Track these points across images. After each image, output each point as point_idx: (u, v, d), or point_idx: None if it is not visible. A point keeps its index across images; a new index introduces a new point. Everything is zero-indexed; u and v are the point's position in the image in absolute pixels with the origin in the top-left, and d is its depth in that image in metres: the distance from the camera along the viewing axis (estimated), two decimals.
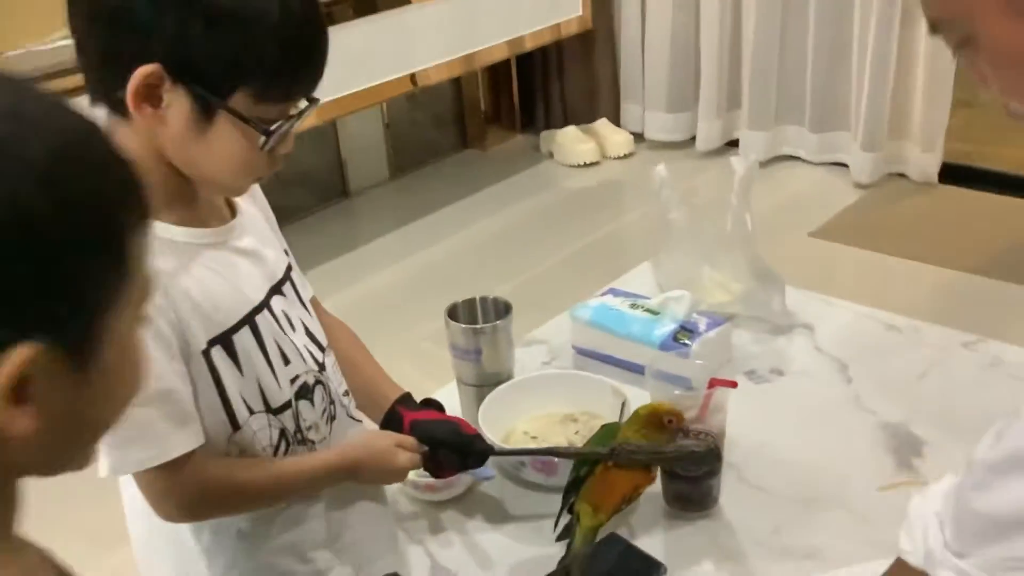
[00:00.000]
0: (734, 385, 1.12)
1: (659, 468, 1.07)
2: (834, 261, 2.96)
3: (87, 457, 0.59)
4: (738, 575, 1.03)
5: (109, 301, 0.52)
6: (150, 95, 0.81)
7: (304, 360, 0.97)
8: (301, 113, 0.88)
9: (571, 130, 3.80)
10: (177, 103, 0.82)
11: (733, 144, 3.66)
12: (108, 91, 0.83)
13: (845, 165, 3.46)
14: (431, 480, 1.15)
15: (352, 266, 3.07)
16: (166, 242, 0.87)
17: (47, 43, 2.41)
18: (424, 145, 3.84)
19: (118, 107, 0.83)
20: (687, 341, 1.31)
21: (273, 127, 0.85)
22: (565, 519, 1.04)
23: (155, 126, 0.83)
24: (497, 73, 3.93)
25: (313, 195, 3.44)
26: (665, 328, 1.33)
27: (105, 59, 0.82)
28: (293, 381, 0.96)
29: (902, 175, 3.41)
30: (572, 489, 1.03)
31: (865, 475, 1.16)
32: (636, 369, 1.33)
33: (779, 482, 1.15)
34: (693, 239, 1.46)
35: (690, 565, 1.05)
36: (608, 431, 1.08)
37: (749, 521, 1.10)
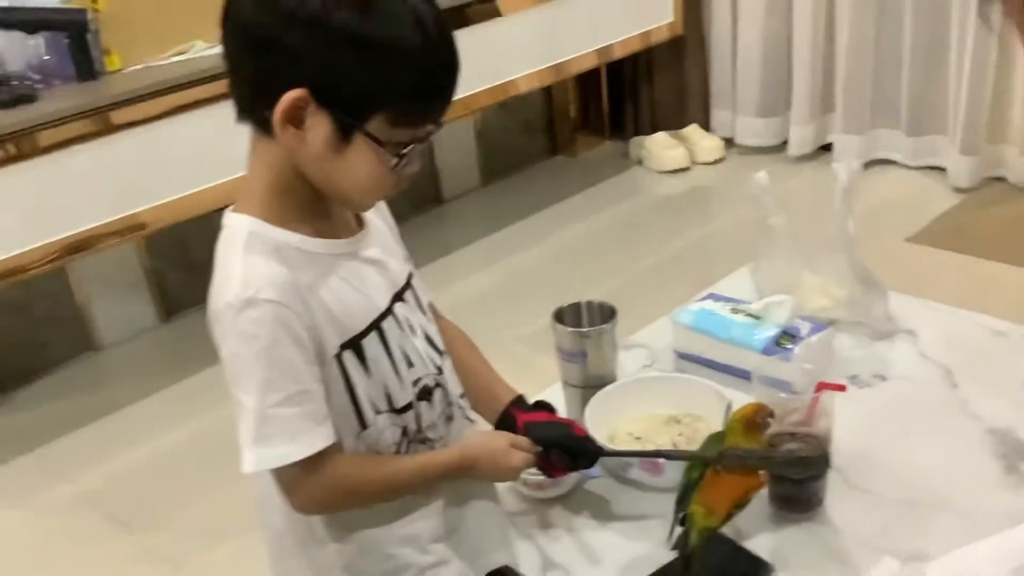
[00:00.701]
0: (843, 388, 1.13)
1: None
2: (932, 266, 2.91)
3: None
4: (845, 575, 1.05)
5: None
6: (294, 117, 0.86)
7: (425, 363, 1.02)
8: (428, 135, 0.92)
9: (661, 136, 3.81)
10: (319, 125, 0.87)
11: (826, 148, 3.63)
12: (256, 110, 0.89)
13: (942, 169, 3.39)
14: (540, 478, 1.19)
15: (445, 271, 3.13)
16: (305, 254, 0.93)
17: (164, 59, 2.54)
18: (515, 152, 3.89)
19: (263, 125, 0.89)
20: (789, 345, 1.33)
21: (405, 150, 0.90)
22: (678, 530, 1.06)
23: (297, 145, 0.88)
24: (586, 80, 3.97)
25: (408, 202, 3.51)
26: (767, 332, 1.35)
27: (256, 82, 0.88)
28: (415, 383, 1.01)
29: (1001, 179, 3.33)
30: (683, 498, 1.06)
31: (972, 479, 1.16)
32: (737, 373, 1.35)
33: (884, 485, 1.16)
34: (793, 244, 1.48)
35: (797, 566, 1.07)
36: (714, 439, 1.10)
37: (855, 523, 1.11)
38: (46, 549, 2.23)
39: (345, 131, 0.88)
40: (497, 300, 3.00)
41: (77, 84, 2.41)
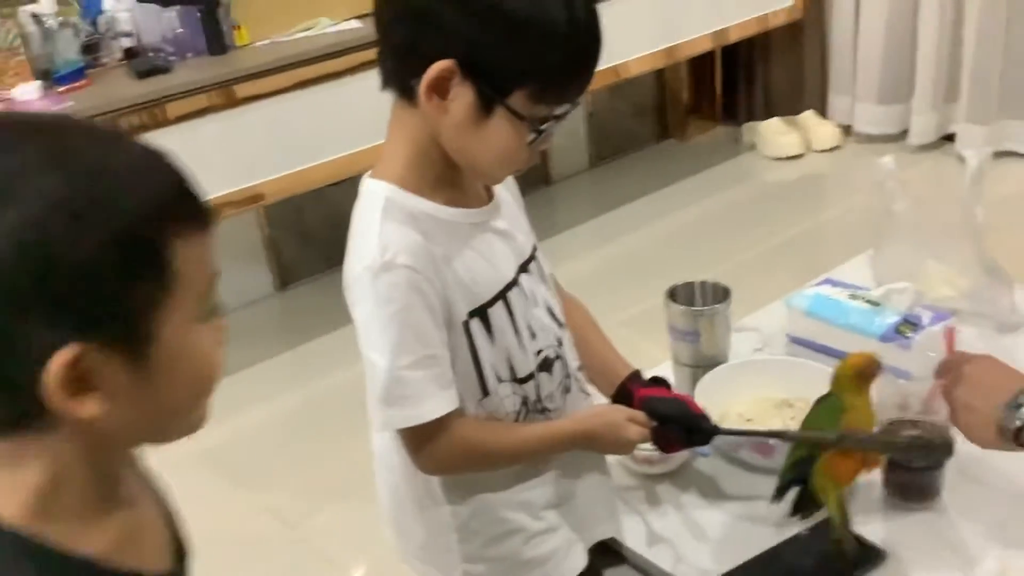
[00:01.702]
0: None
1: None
2: None
3: (185, 428, 0.68)
4: (960, 568, 1.03)
5: (152, 304, 0.59)
6: (440, 87, 0.89)
7: (547, 334, 1.04)
8: (566, 113, 0.94)
9: (774, 122, 3.74)
10: (462, 97, 0.89)
11: (948, 138, 3.51)
12: (403, 79, 0.92)
13: None
14: (648, 453, 1.20)
15: (551, 251, 3.09)
16: (439, 222, 0.95)
17: (290, 35, 2.61)
18: (624, 135, 3.88)
19: (407, 93, 0.92)
20: (910, 334, 1.30)
21: (543, 126, 0.92)
22: (791, 493, 1.07)
23: (438, 115, 0.91)
24: (700, 63, 3.92)
25: (517, 181, 3.53)
26: (887, 320, 1.32)
27: (405, 51, 0.91)
28: (538, 354, 1.03)
29: None
30: (797, 469, 1.05)
31: None
32: None
33: (1003, 479, 1.13)
34: (917, 231, 1.44)
35: (910, 554, 1.05)
36: (823, 404, 1.09)
37: (971, 515, 1.09)
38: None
39: (487, 104, 0.89)
40: (602, 282, 3.00)
41: (208, 57, 2.50)
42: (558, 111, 0.92)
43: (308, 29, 2.59)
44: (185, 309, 0.61)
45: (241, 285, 3.09)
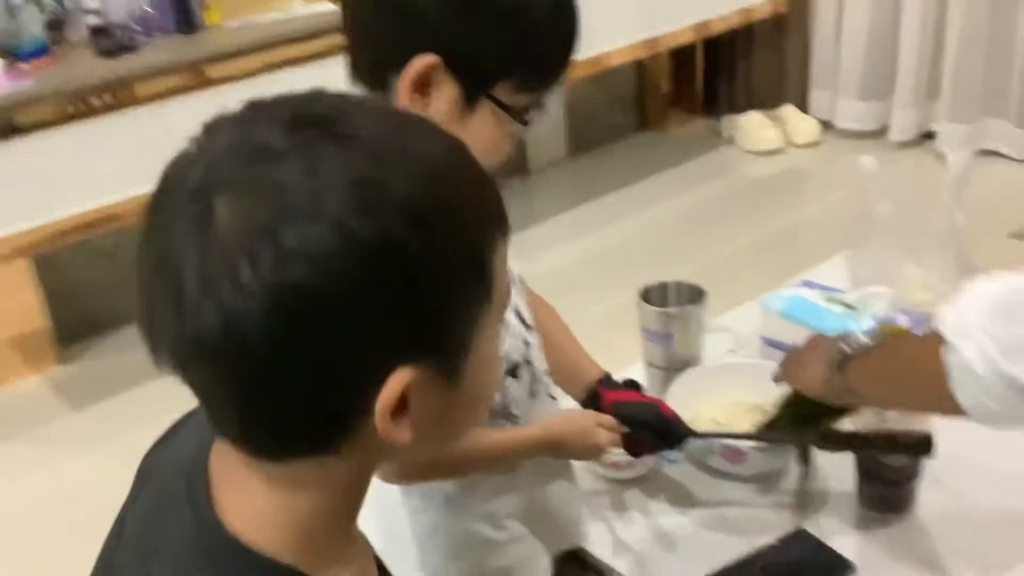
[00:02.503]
0: None
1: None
2: None
3: (447, 449, 0.64)
4: None
5: (476, 319, 0.55)
6: (421, 82, 0.84)
7: (513, 337, 1.00)
8: (547, 101, 0.90)
9: (755, 115, 3.71)
10: (445, 92, 0.84)
11: (929, 136, 3.49)
12: (377, 72, 0.86)
13: None
14: (617, 458, 1.16)
15: (527, 243, 3.11)
16: None
17: (262, 15, 2.55)
18: (603, 126, 3.84)
19: (381, 87, 0.86)
20: None
21: (527, 115, 0.89)
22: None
23: (419, 110, 0.86)
24: (681, 55, 3.88)
25: (493, 172, 3.50)
26: (863, 324, 1.29)
27: (385, 46, 0.86)
28: (504, 358, 0.99)
29: None
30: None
31: None
32: None
33: (980, 491, 1.11)
34: (896, 234, 1.41)
35: (882, 568, 1.03)
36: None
37: (947, 529, 1.07)
38: None
39: (471, 97, 0.85)
40: (579, 275, 2.97)
41: (177, 37, 2.44)
42: (541, 99, 0.89)
43: (281, 10, 2.53)
44: (492, 320, 0.57)
45: None
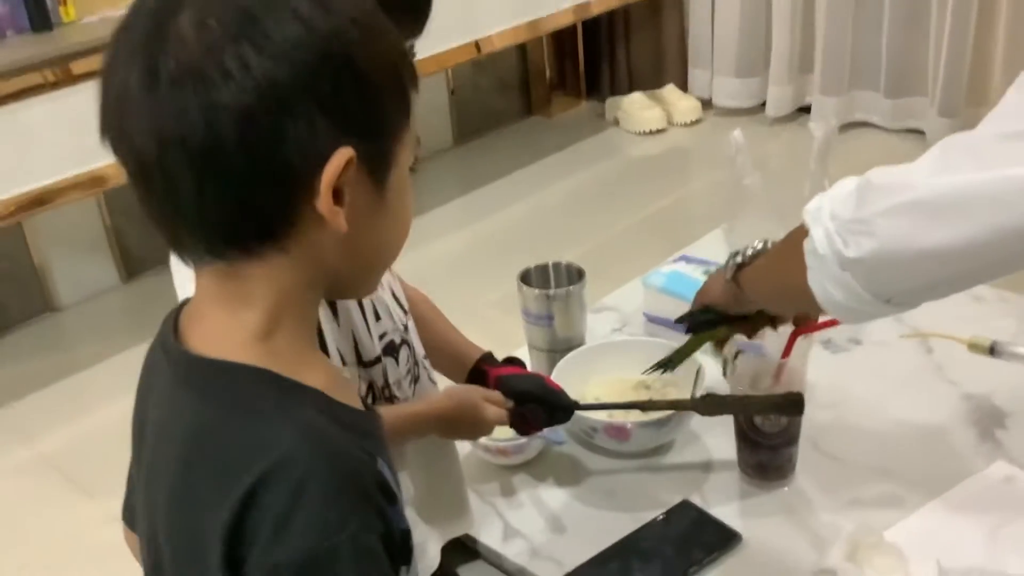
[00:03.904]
0: (831, 324, 1.09)
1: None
2: None
3: (370, 285, 0.73)
4: (814, 544, 1.02)
5: (397, 129, 0.64)
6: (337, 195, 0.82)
7: (392, 318, 0.98)
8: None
9: (637, 96, 3.75)
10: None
11: (804, 110, 3.59)
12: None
13: (921, 132, 3.36)
14: (503, 444, 1.15)
15: (416, 232, 3.01)
16: None
17: (120, 10, 2.45)
18: (489, 112, 3.82)
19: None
20: None
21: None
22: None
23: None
24: (562, 39, 3.89)
25: None
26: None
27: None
28: (382, 337, 0.97)
29: None
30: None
31: (946, 447, 1.13)
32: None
33: (857, 453, 1.13)
34: (768, 205, 1.43)
35: (765, 534, 1.04)
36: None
37: (825, 492, 1.08)
38: (6, 512, 2.18)
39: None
40: (469, 262, 2.95)
41: (32, 35, 2.34)
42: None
43: None
44: (407, 149, 0.65)
45: (83, 277, 2.91)
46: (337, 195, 0.60)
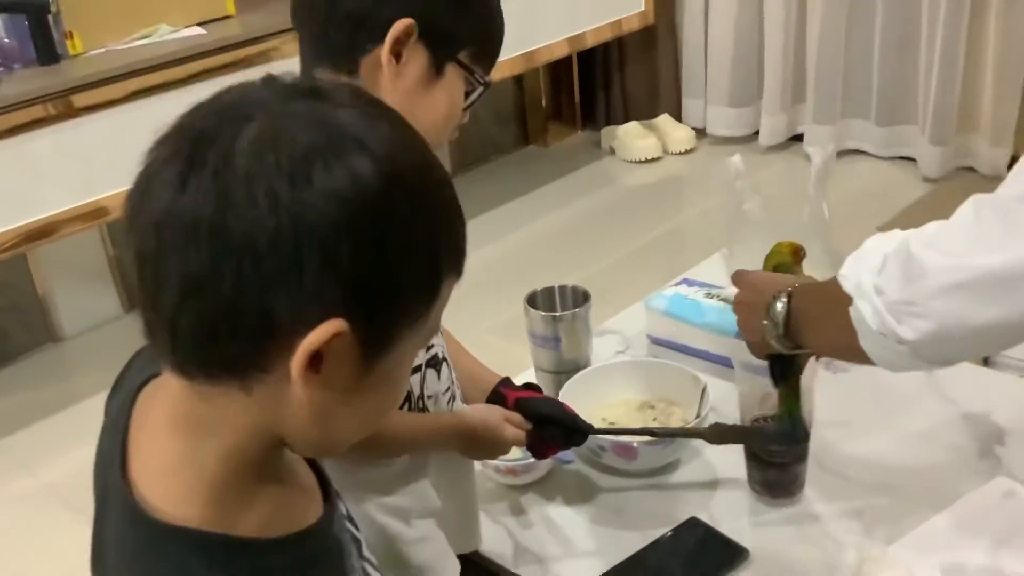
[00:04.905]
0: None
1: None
2: None
3: (329, 454, 0.69)
4: (822, 561, 1.04)
5: (413, 319, 0.58)
6: (398, 47, 0.89)
7: (438, 335, 1.01)
8: (489, 84, 0.96)
9: (632, 126, 3.80)
10: (416, 58, 0.90)
11: (797, 139, 3.63)
12: (352, 49, 0.90)
13: (912, 159, 3.41)
14: (513, 464, 1.17)
15: None
16: None
17: (127, 42, 2.48)
18: (485, 141, 3.86)
19: (348, 70, 0.90)
20: None
21: (480, 87, 0.95)
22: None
23: (391, 79, 0.90)
24: (558, 69, 3.94)
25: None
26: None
27: (359, 19, 0.90)
28: (429, 348, 1.00)
29: (971, 169, 3.35)
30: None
31: (947, 463, 1.15)
32: (711, 358, 1.34)
33: (860, 470, 1.15)
34: (768, 230, 1.46)
35: (773, 550, 1.06)
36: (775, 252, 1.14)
37: (831, 508, 1.10)
38: (8, 541, 2.18)
39: (439, 63, 0.91)
40: (468, 290, 2.90)
41: (38, 68, 2.35)
42: (487, 78, 0.95)
43: (146, 36, 2.46)
44: (417, 337, 0.60)
45: (86, 308, 2.92)
46: (317, 361, 0.55)
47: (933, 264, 0.81)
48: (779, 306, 0.97)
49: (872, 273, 0.85)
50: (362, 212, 0.54)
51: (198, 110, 0.58)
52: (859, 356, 0.89)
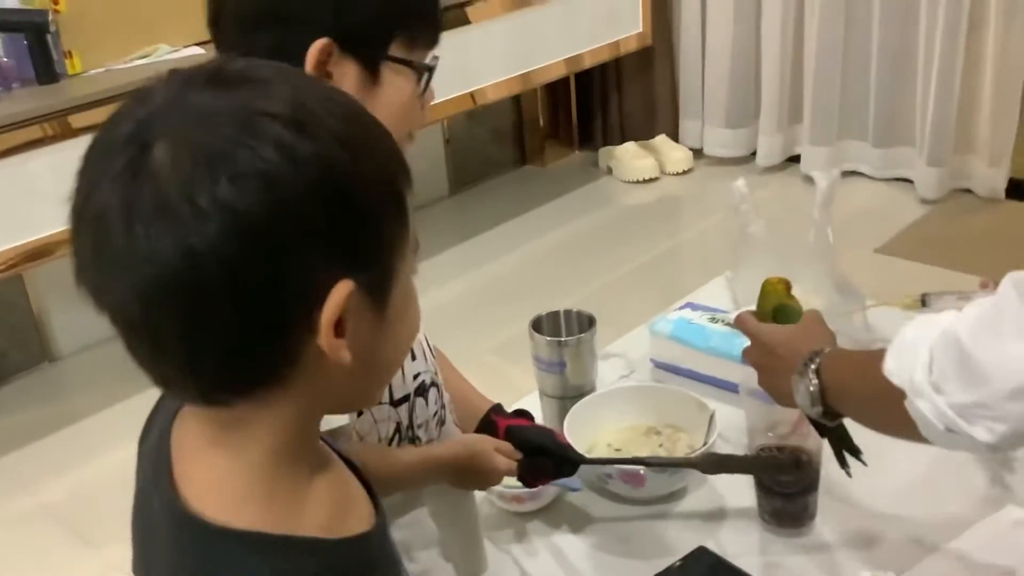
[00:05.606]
0: None
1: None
2: (901, 277, 2.92)
3: (376, 397, 0.72)
4: None
5: (396, 246, 0.60)
6: (322, 69, 0.86)
7: (426, 359, 1.00)
8: (435, 62, 0.93)
9: (630, 146, 3.81)
10: (346, 72, 0.87)
11: (794, 160, 3.64)
12: None
13: (909, 180, 3.42)
14: (518, 491, 1.16)
15: None
16: None
17: (126, 62, 2.48)
18: (484, 161, 3.87)
19: None
20: None
21: (430, 64, 0.92)
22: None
23: None
24: (556, 89, 3.95)
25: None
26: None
27: (274, 54, 0.86)
28: (416, 377, 0.99)
29: (968, 191, 3.36)
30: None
31: (956, 491, 1.15)
32: (716, 383, 1.33)
33: (870, 499, 1.14)
34: (771, 253, 1.46)
35: None
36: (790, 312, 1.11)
37: (841, 537, 1.09)
38: (5, 563, 2.16)
39: (372, 67, 0.88)
40: (466, 311, 2.96)
41: (37, 87, 2.36)
42: (430, 60, 0.92)
43: (146, 56, 2.46)
44: (407, 257, 0.61)
45: (82, 327, 2.89)
46: (339, 326, 0.56)
47: (995, 363, 0.78)
48: (811, 386, 0.95)
49: (923, 369, 0.82)
50: (313, 179, 0.54)
51: (102, 146, 0.57)
52: (918, 439, 0.86)
